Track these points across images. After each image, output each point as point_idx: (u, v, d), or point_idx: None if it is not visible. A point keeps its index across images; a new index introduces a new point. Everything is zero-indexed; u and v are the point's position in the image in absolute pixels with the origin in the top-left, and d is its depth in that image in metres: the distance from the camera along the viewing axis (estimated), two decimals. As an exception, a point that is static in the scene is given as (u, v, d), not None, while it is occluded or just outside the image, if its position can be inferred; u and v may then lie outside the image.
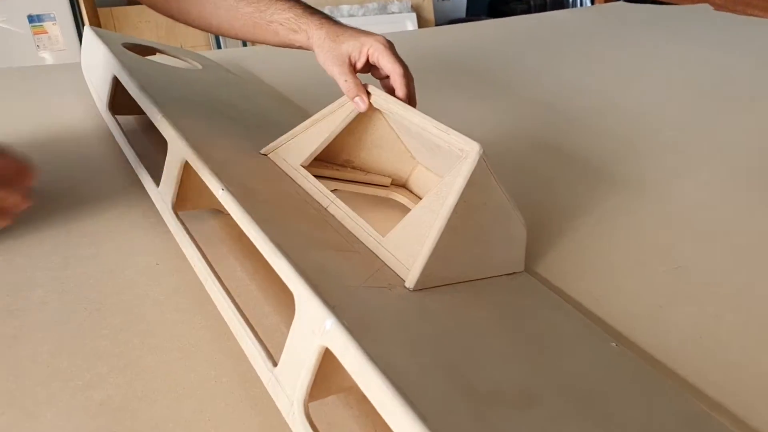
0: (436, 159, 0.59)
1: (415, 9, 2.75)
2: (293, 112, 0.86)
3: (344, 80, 0.58)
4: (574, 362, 0.44)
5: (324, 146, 0.59)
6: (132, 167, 0.70)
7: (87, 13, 2.34)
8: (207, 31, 0.69)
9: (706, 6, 1.75)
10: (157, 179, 0.62)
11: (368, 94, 0.57)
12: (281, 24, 0.62)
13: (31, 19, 2.28)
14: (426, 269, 0.45)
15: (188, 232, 0.55)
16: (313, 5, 0.65)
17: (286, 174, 0.59)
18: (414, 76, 0.60)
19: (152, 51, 0.91)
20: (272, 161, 0.61)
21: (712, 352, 0.49)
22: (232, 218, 0.64)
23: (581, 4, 2.97)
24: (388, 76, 0.60)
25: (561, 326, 0.49)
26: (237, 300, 0.48)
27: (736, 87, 1.12)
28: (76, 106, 0.91)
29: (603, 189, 0.74)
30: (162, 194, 0.60)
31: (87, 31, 0.89)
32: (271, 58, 1.19)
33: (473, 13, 3.16)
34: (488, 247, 0.50)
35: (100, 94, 0.83)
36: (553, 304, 0.51)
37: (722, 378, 0.46)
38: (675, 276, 0.58)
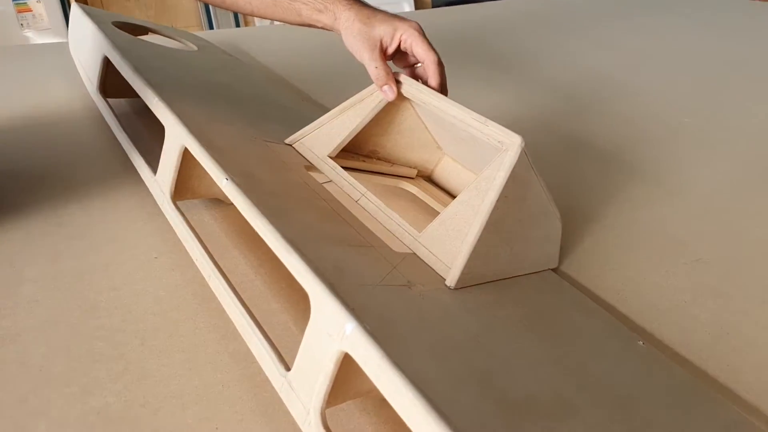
0: (465, 150, 0.57)
1: (412, -11, 2.69)
2: (293, 95, 0.82)
3: (375, 66, 0.54)
4: (605, 364, 0.42)
5: (352, 136, 0.56)
6: (125, 153, 0.66)
7: (72, -11, 2.26)
8: (219, 6, 0.63)
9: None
10: (152, 166, 0.59)
11: (398, 82, 0.55)
12: (305, 3, 0.58)
13: (14, -5, 2.20)
14: (467, 267, 0.43)
15: (188, 224, 0.51)
16: None
17: (313, 165, 0.56)
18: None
19: (144, 30, 0.86)
20: (277, 150, 0.58)
21: (740, 349, 0.47)
22: (233, 208, 0.61)
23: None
24: (413, 65, 0.57)
25: (588, 325, 0.46)
26: (243, 297, 0.45)
27: (753, 73, 1.10)
28: (64, 87, 0.87)
29: (620, 179, 0.71)
30: (159, 183, 0.56)
31: (74, 8, 0.85)
32: (266, 38, 1.15)
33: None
34: (527, 243, 0.48)
35: (89, 75, 0.79)
36: (578, 302, 0.49)
37: (753, 378, 0.44)
38: (696, 269, 0.56)
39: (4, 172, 0.64)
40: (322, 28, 0.59)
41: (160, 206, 0.56)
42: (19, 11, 2.22)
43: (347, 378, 0.35)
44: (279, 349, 0.41)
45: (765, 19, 1.48)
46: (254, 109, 0.70)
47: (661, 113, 0.91)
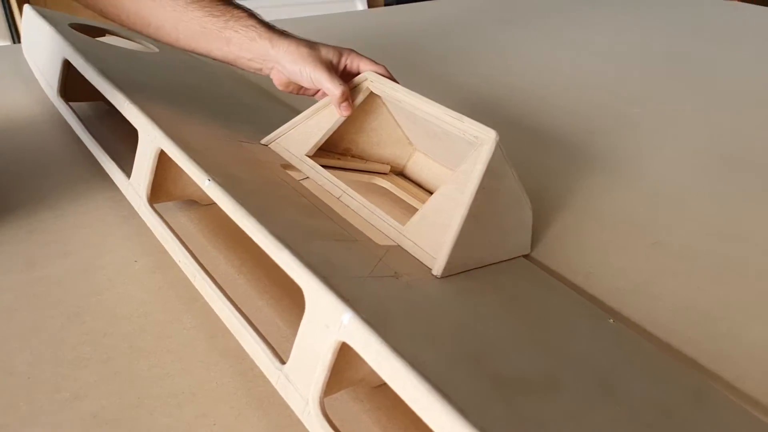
0: (437, 145, 0.59)
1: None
2: (258, 95, 0.82)
3: (338, 83, 0.55)
4: (581, 342, 0.44)
5: (329, 135, 0.58)
6: (91, 157, 0.65)
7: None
8: (141, 33, 0.59)
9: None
10: (124, 170, 0.58)
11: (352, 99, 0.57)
12: (237, 31, 0.56)
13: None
14: (451, 257, 0.45)
15: (168, 226, 0.51)
16: None
17: (290, 164, 0.57)
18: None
19: (102, 32, 0.85)
20: (252, 149, 0.58)
21: (698, 322, 0.51)
22: (209, 209, 0.61)
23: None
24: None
25: (561, 307, 0.49)
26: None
27: (697, 66, 1.16)
28: (20, 92, 0.84)
29: (582, 169, 0.74)
30: (134, 186, 0.56)
31: (27, 10, 0.82)
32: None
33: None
34: (503, 231, 0.51)
35: (48, 79, 0.77)
36: (551, 285, 0.51)
37: (713, 347, 0.48)
38: (655, 251, 0.60)
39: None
40: (248, 63, 0.58)
41: (137, 209, 0.55)
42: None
43: (342, 368, 0.37)
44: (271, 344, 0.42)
45: (710, 12, 1.57)
46: (223, 109, 0.70)
47: (611, 105, 0.95)
